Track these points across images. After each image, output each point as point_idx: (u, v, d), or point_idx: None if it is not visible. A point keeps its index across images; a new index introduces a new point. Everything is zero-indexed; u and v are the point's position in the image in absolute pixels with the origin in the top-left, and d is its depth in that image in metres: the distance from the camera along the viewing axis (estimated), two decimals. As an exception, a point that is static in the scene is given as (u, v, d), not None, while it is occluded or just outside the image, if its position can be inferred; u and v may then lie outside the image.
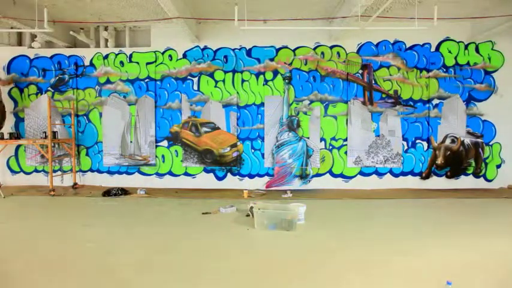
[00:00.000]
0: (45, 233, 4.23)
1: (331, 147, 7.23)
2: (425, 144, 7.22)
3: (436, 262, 3.29)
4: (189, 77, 7.24)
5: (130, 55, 7.29)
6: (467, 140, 7.17)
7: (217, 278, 2.94)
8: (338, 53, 7.15)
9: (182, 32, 6.57)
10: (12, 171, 7.44)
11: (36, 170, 7.43)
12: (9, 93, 7.34)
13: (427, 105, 7.15)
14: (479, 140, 7.18)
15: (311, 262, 3.30)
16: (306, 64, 7.16)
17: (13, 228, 4.47)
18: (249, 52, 7.18)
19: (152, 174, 7.36)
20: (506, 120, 7.10)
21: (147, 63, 7.26)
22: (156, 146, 7.33)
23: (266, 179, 7.28)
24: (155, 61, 7.26)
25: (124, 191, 6.55)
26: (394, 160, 7.15)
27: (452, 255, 3.47)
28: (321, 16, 6.71)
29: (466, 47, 7.12)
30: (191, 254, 3.50)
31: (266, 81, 7.19)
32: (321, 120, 7.19)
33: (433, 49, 7.12)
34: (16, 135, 6.96)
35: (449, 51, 7.11)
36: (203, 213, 5.12)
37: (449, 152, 7.16)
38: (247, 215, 4.86)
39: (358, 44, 7.12)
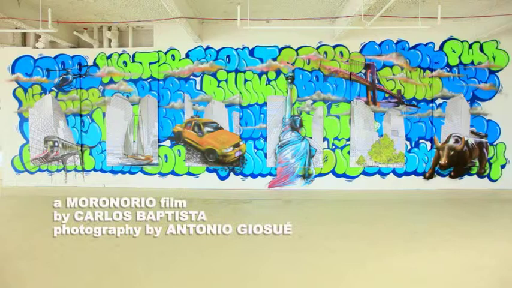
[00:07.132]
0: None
1: (334, 147, 7.21)
2: (428, 144, 7.17)
3: (437, 263, 3.27)
4: (191, 77, 7.25)
5: (134, 55, 7.31)
6: (471, 140, 7.12)
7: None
8: (341, 53, 7.12)
9: (185, 32, 6.58)
10: (17, 171, 7.50)
11: (40, 170, 7.48)
12: (13, 93, 7.40)
13: (431, 104, 7.11)
14: (484, 140, 7.12)
15: (311, 262, 3.30)
16: (308, 64, 7.14)
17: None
18: (251, 52, 7.18)
19: (155, 174, 7.39)
20: (511, 120, 7.04)
21: (150, 63, 7.28)
22: (159, 146, 7.35)
23: (269, 178, 7.28)
24: (158, 61, 7.28)
25: None
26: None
27: (454, 256, 3.45)
28: (324, 16, 6.70)
29: (470, 46, 7.06)
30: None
31: (269, 80, 7.18)
32: (324, 120, 7.18)
33: (436, 48, 7.07)
34: None
35: (453, 51, 7.06)
36: None
37: (453, 152, 7.12)
38: None
39: (361, 44, 7.09)
